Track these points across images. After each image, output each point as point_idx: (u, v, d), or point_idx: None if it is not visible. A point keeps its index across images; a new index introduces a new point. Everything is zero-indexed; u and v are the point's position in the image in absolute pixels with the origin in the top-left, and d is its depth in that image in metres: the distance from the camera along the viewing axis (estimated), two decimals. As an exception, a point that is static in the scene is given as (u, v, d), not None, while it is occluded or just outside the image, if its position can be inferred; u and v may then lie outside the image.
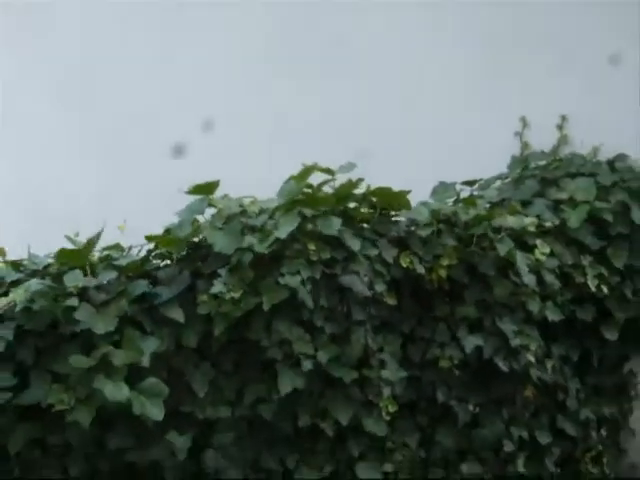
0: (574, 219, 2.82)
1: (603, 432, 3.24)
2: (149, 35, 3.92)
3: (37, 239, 2.21)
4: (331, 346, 2.12)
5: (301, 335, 2.08)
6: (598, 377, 3.26)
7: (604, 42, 3.40)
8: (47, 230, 2.49)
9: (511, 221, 2.56)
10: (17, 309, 1.84)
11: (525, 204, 2.91)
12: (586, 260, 2.87)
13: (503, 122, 3.54)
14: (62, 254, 1.99)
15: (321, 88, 3.82)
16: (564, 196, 2.94)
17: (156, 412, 1.83)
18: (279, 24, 3.75)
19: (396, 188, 2.43)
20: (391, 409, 2.26)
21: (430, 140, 3.70)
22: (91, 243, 2.02)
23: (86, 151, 3.80)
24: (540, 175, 3.15)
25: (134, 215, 2.36)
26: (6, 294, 1.90)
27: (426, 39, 3.72)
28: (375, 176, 2.46)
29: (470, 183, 2.97)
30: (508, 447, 2.74)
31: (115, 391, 1.78)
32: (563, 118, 3.41)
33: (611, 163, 3.17)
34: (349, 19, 3.83)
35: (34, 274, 2.00)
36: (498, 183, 3.16)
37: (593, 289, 2.80)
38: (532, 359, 2.56)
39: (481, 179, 3.04)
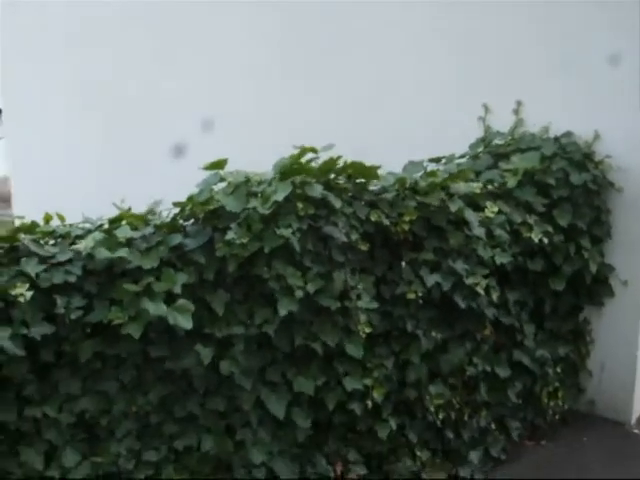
0: (512, 181, 3.59)
1: (559, 370, 3.98)
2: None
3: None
4: (317, 280, 2.89)
5: (293, 272, 2.85)
6: (554, 322, 4.02)
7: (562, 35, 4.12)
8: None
9: (462, 186, 3.35)
10: (83, 253, 2.63)
11: (478, 174, 3.69)
12: (531, 219, 3.64)
13: (470, 109, 4.33)
14: (122, 215, 2.81)
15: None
16: (511, 166, 3.72)
17: (185, 322, 2.61)
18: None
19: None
20: (367, 331, 3.03)
21: (410, 129, 4.50)
22: (150, 210, 2.86)
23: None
24: (494, 151, 3.93)
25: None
26: (73, 244, 2.69)
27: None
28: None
29: (436, 160, 3.76)
30: (470, 372, 3.49)
31: (156, 308, 2.57)
32: (518, 103, 4.17)
33: (557, 139, 3.95)
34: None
35: (90, 231, 2.80)
36: (462, 160, 3.95)
37: (536, 241, 3.56)
38: (483, 293, 3.30)
39: (444, 156, 3.83)
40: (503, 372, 3.66)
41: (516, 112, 4.17)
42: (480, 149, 3.99)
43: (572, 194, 3.80)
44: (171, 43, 5.80)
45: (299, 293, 2.82)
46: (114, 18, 6.23)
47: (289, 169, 2.91)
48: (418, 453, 3.43)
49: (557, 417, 4.12)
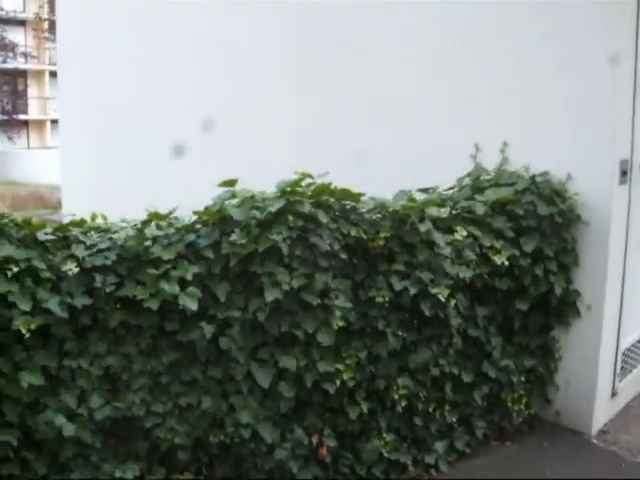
0: (479, 208, 4.54)
1: (523, 379, 4.88)
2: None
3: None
4: (302, 278, 3.88)
5: (282, 270, 3.84)
6: (523, 338, 4.93)
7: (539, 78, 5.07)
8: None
9: (433, 211, 4.32)
10: (118, 244, 3.69)
11: (456, 203, 4.65)
12: (499, 243, 4.57)
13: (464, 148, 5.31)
14: (151, 217, 3.86)
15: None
16: (484, 198, 4.68)
17: (192, 305, 3.62)
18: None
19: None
20: (339, 324, 4.00)
21: (414, 166, 5.49)
22: (170, 212, 3.92)
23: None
24: (477, 185, 4.89)
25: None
26: (111, 238, 3.76)
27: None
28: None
29: (424, 190, 4.74)
30: (435, 372, 4.43)
31: (171, 288, 3.59)
32: (504, 144, 5.13)
33: (533, 177, 4.89)
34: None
35: (124, 228, 3.86)
36: (448, 191, 4.92)
37: (499, 263, 4.50)
38: (444, 301, 4.23)
39: (432, 187, 4.81)
40: (467, 375, 4.58)
41: (502, 152, 5.12)
42: (465, 182, 4.96)
43: (540, 224, 4.72)
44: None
45: (285, 286, 3.80)
46: (162, 33, 7.45)
47: (285, 189, 3.93)
48: (386, 436, 4.37)
49: (523, 422, 5.01)
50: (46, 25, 37.58)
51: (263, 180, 4.01)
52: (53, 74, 26.22)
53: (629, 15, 4.76)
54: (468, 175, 5.05)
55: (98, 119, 8.61)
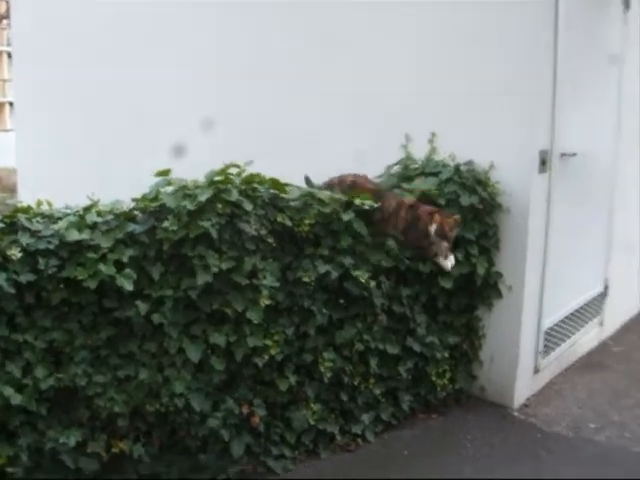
0: (408, 200, 5.22)
1: (447, 355, 5.58)
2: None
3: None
4: (230, 261, 4.54)
5: (212, 254, 4.51)
6: (448, 316, 5.63)
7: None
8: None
9: (357, 201, 5.00)
10: (60, 231, 4.34)
11: (381, 192, 5.33)
12: (419, 230, 5.25)
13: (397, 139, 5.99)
14: (93, 205, 4.51)
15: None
16: (410, 187, 5.36)
17: (127, 285, 4.25)
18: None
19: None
20: (266, 302, 4.67)
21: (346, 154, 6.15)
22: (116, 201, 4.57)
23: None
24: (404, 174, 5.58)
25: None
26: (55, 223, 4.41)
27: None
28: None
29: (354, 179, 5.41)
30: (360, 347, 5.12)
31: (107, 269, 4.24)
32: (433, 134, 5.81)
33: (457, 166, 5.57)
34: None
35: (67, 214, 4.51)
36: (377, 180, 5.59)
37: (420, 247, 5.18)
38: (366, 284, 4.92)
39: (361, 176, 5.47)
40: (392, 349, 5.28)
41: (430, 142, 5.81)
42: (393, 171, 5.64)
43: (462, 212, 5.41)
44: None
45: (214, 269, 4.47)
46: (110, 17, 8.08)
47: (214, 178, 4.59)
48: (313, 406, 5.05)
49: (449, 396, 5.71)
50: (4, 6, 37.71)
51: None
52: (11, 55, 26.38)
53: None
54: (397, 164, 5.72)
55: (52, 102, 9.23)
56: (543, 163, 5.58)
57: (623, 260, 7.55)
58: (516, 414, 5.75)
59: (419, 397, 5.62)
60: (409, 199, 5.16)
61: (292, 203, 4.81)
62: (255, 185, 4.75)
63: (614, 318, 7.67)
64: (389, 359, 5.33)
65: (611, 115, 6.82)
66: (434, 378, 5.59)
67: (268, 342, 4.75)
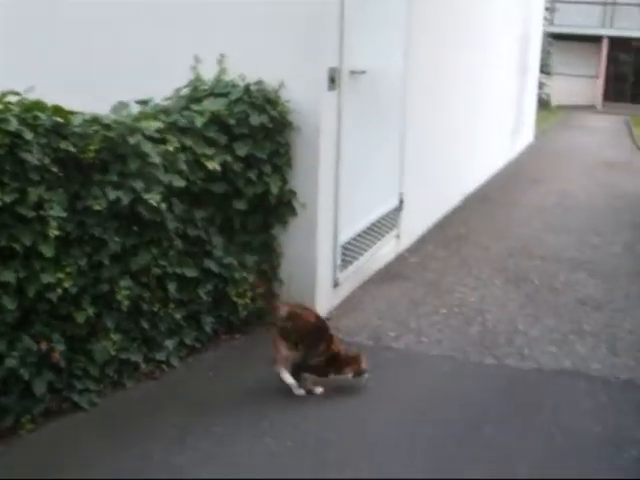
0: (199, 121, 5.22)
1: (245, 275, 5.68)
2: None
3: None
4: (14, 193, 4.39)
5: None
6: (244, 237, 5.71)
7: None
8: None
9: (145, 124, 4.94)
10: None
11: (169, 115, 5.29)
12: (211, 151, 5.28)
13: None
14: None
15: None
16: (200, 108, 5.35)
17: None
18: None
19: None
20: (55, 233, 4.56)
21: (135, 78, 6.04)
22: None
23: None
24: (194, 96, 5.54)
25: None
26: None
27: None
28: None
29: (143, 102, 5.33)
30: (157, 272, 5.12)
31: None
32: (222, 55, 5.80)
33: (247, 86, 5.60)
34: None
35: None
36: (165, 102, 5.54)
37: (211, 168, 5.21)
38: (158, 207, 4.90)
39: (151, 99, 5.41)
40: (190, 273, 5.32)
41: (220, 63, 5.79)
42: (183, 93, 5.60)
43: (252, 131, 5.46)
44: None
45: (-4, 204, 4.32)
46: None
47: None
48: (113, 337, 5.03)
49: (250, 315, 5.84)
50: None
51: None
52: None
53: None
54: (186, 86, 5.67)
55: None
56: (332, 81, 5.71)
57: (417, 175, 7.90)
58: (316, 329, 5.95)
59: (221, 319, 5.72)
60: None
61: (75, 129, 4.68)
62: (36, 113, 4.57)
63: (410, 231, 8.06)
64: (188, 283, 5.37)
65: (399, 35, 7.03)
66: (235, 299, 5.69)
67: (61, 275, 4.65)
